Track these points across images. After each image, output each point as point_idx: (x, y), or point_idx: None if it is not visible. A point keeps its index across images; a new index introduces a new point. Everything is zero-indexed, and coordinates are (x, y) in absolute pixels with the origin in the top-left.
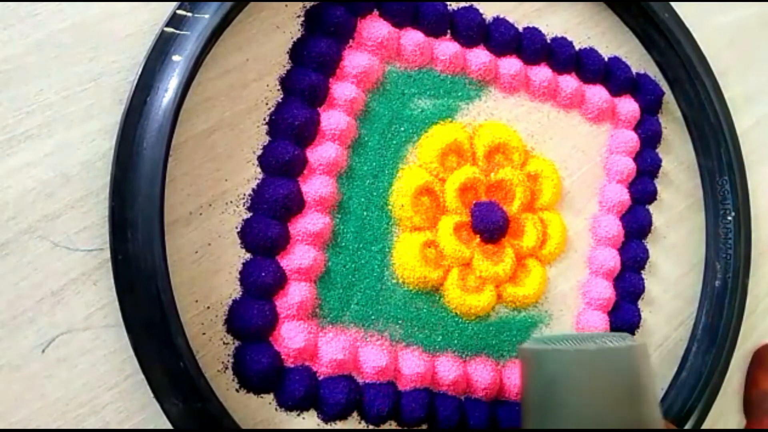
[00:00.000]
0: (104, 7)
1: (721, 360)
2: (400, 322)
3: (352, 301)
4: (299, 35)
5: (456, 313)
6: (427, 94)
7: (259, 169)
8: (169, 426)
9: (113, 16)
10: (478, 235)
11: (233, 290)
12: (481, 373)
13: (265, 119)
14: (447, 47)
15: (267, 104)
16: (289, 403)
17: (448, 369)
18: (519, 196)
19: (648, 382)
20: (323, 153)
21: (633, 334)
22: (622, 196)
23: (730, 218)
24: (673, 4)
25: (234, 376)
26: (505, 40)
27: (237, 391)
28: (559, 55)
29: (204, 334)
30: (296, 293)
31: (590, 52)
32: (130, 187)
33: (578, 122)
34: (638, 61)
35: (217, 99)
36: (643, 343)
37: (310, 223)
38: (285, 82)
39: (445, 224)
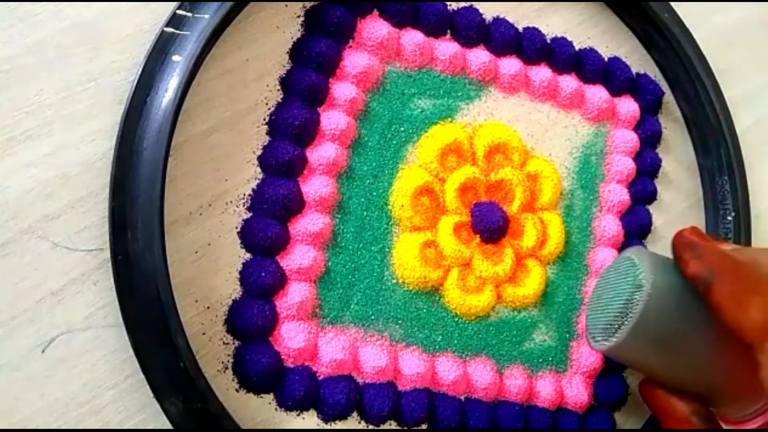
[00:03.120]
0: (104, 7)
1: None
2: (400, 322)
3: (352, 301)
4: (299, 35)
5: (456, 313)
6: (427, 94)
7: (259, 169)
8: (169, 426)
9: (113, 16)
10: (478, 235)
11: (233, 290)
12: (481, 373)
13: (265, 119)
14: (447, 47)
15: (267, 104)
16: (289, 403)
17: (448, 369)
18: (519, 196)
19: None
20: (323, 153)
21: None
22: (622, 196)
23: (730, 218)
24: (673, 4)
25: (234, 376)
26: (505, 40)
27: (237, 391)
28: (559, 55)
29: (204, 334)
30: (296, 293)
31: (590, 52)
32: (130, 187)
33: (578, 122)
34: (638, 61)
35: (217, 99)
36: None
37: (310, 223)
38: (285, 82)
39: (444, 224)
